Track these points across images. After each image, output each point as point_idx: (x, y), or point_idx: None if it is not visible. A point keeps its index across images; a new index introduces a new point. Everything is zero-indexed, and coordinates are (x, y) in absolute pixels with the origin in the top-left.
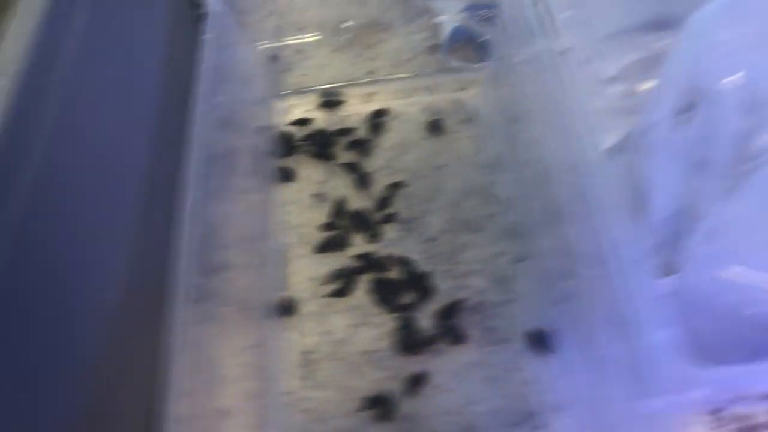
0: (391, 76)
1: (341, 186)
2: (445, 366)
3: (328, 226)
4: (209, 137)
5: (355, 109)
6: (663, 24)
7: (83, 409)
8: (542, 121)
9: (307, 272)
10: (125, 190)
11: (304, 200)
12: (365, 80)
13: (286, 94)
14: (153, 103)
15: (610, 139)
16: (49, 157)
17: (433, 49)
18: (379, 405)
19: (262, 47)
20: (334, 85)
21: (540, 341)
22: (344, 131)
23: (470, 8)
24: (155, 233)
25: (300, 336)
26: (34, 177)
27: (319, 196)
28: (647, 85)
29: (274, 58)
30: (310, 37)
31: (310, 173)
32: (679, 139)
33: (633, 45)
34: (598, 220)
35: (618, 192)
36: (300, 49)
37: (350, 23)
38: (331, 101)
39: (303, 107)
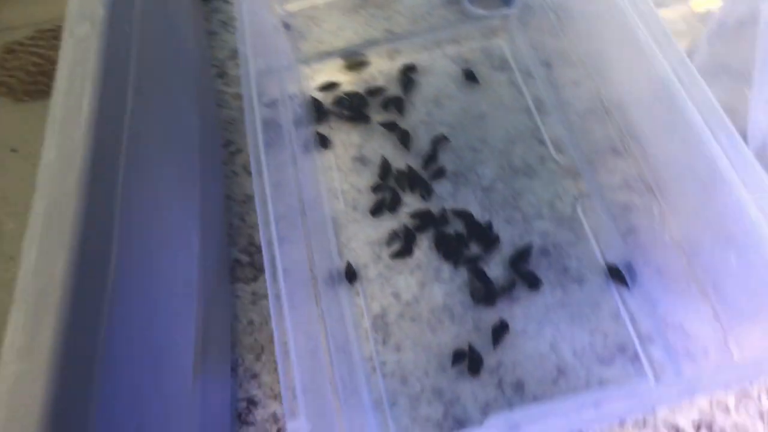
0: (412, 32)
1: (381, 146)
2: (525, 312)
3: (376, 188)
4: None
5: (381, 68)
6: None
7: None
8: (580, 62)
9: (363, 236)
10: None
11: (346, 165)
12: (385, 39)
13: (306, 61)
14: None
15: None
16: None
17: (451, 0)
18: (466, 359)
19: (273, 17)
20: (354, 46)
21: (617, 275)
22: (375, 91)
23: None
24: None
25: (369, 301)
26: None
27: (360, 159)
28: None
29: (286, 26)
30: (320, 1)
31: (346, 137)
32: None
33: None
34: (661, 150)
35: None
36: (311, 15)
37: None
38: (354, 63)
39: (327, 72)
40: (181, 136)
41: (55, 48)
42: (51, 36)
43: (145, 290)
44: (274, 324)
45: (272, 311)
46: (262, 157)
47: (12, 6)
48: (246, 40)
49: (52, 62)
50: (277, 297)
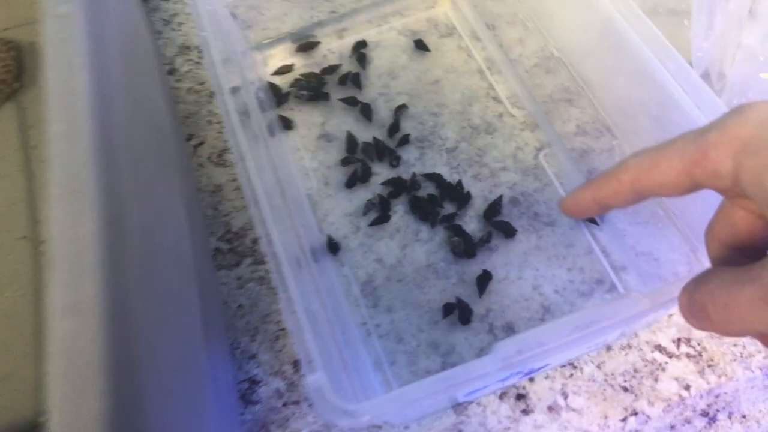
0: (356, 9)
1: (344, 122)
2: (504, 259)
3: (345, 162)
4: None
5: (332, 48)
6: None
7: None
8: (524, 21)
9: (340, 210)
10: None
11: (312, 144)
12: (332, 19)
13: (258, 48)
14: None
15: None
16: None
17: None
18: (455, 311)
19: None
20: (302, 29)
21: (590, 221)
22: (329, 69)
23: None
24: None
25: (354, 269)
26: None
27: (325, 137)
28: None
29: (233, 16)
30: None
31: (308, 117)
32: None
33: None
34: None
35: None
36: (254, 5)
37: None
38: (305, 44)
39: (280, 57)
40: (158, 126)
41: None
42: None
43: (156, 262)
44: (280, 293)
45: (277, 282)
46: (242, 140)
47: None
48: (206, 30)
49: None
50: (279, 270)
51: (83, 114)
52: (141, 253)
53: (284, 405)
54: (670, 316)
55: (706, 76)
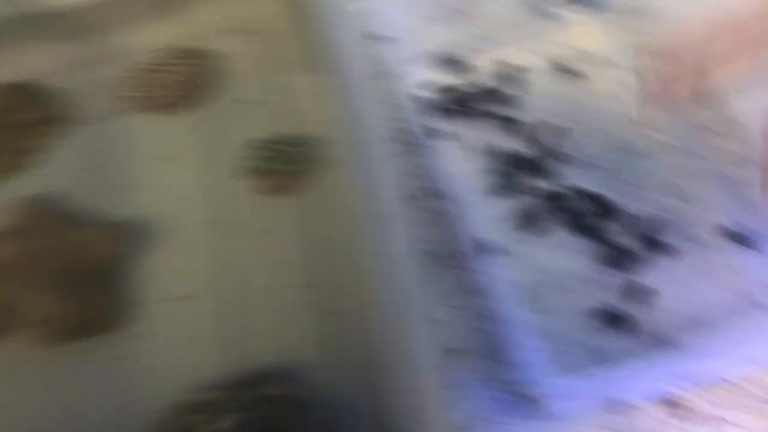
0: (505, 35)
1: (498, 138)
2: (657, 274)
3: (499, 172)
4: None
5: (486, 70)
6: None
7: None
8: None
9: (492, 213)
10: None
11: (464, 154)
12: (484, 43)
13: (418, 65)
14: None
15: None
16: None
17: (536, 6)
18: (613, 318)
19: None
20: (455, 50)
21: (736, 236)
22: (484, 90)
23: None
24: None
25: (512, 273)
26: None
27: (477, 149)
28: None
29: (392, 39)
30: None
31: (464, 130)
32: None
33: None
34: None
35: None
36: (415, 29)
37: None
38: (456, 62)
39: (431, 74)
40: None
41: (188, 65)
42: (182, 55)
43: None
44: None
45: None
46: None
47: (131, 32)
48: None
49: (189, 76)
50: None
51: None
52: None
53: None
54: None
55: None
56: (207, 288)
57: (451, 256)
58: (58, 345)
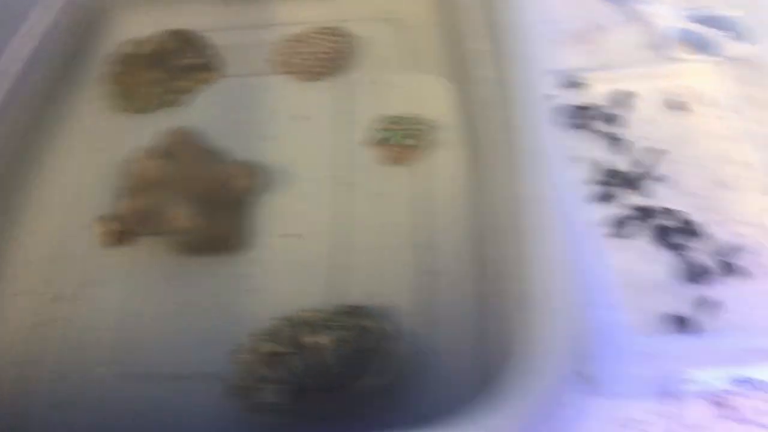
0: (625, 64)
1: (600, 152)
2: (729, 291)
3: (599, 183)
4: None
5: (602, 91)
6: None
7: None
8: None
9: (587, 216)
10: None
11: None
12: (602, 68)
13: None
14: None
15: None
16: None
17: (657, 47)
18: (681, 322)
19: None
20: (576, 71)
21: None
22: (593, 107)
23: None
24: None
25: (594, 269)
26: None
27: (580, 158)
28: None
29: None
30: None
31: (569, 140)
32: None
33: None
34: None
35: None
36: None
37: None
38: (573, 82)
39: (552, 90)
40: None
41: (333, 42)
42: (329, 33)
43: None
44: None
45: None
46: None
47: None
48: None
49: (332, 52)
50: None
51: None
52: None
53: None
54: None
55: None
56: (320, 231)
57: None
58: (189, 254)
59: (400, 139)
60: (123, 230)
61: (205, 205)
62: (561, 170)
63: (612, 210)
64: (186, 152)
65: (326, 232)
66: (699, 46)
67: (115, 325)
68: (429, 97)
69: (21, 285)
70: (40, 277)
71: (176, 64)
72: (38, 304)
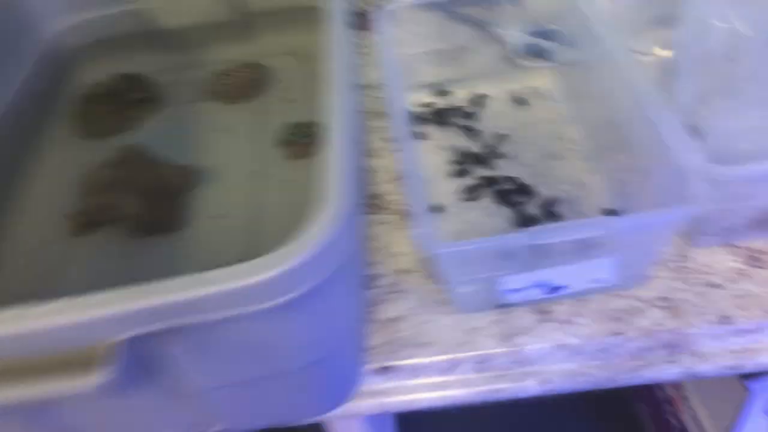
0: (481, 74)
1: (459, 140)
2: None
3: (456, 162)
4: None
5: (461, 96)
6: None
7: None
8: (602, 96)
9: (447, 188)
10: None
11: (436, 150)
12: (463, 79)
13: (413, 89)
14: None
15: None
16: None
17: (508, 59)
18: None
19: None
20: (443, 83)
21: (611, 213)
22: (456, 108)
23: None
24: None
25: (451, 225)
26: None
27: (446, 147)
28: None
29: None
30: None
31: (438, 134)
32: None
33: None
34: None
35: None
36: (413, 66)
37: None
38: (443, 92)
39: (425, 97)
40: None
41: (251, 73)
42: (248, 66)
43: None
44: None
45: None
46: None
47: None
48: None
49: (250, 81)
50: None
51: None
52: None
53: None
54: None
55: None
56: (239, 212)
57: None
58: (139, 237)
59: (300, 139)
60: (87, 221)
61: (150, 197)
62: None
63: (466, 181)
64: (135, 161)
65: (243, 212)
66: (539, 55)
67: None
68: (321, 106)
69: (14, 266)
70: (26, 257)
71: (127, 98)
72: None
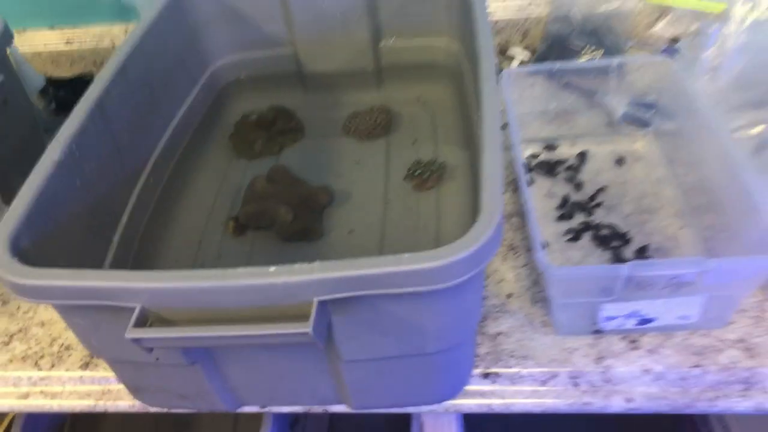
0: (584, 134)
1: (563, 188)
2: None
3: (560, 207)
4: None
5: (565, 151)
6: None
7: None
8: (696, 161)
9: (552, 229)
10: None
11: (542, 195)
12: (568, 136)
13: (525, 143)
14: None
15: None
16: None
17: (611, 124)
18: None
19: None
20: (550, 138)
21: None
22: (561, 161)
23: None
24: None
25: (554, 261)
26: None
27: (550, 194)
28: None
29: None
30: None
31: (544, 182)
32: None
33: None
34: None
35: None
36: (526, 121)
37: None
38: (550, 146)
39: (533, 149)
40: None
41: (381, 116)
42: (379, 110)
43: None
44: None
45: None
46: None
47: (352, 94)
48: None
49: (381, 122)
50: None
51: None
52: None
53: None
54: None
55: None
56: (369, 229)
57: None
58: (286, 241)
59: (425, 174)
60: (244, 225)
61: (296, 209)
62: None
63: (571, 225)
64: (284, 179)
65: (370, 229)
66: (638, 123)
67: None
68: (444, 149)
69: (179, 256)
70: (191, 252)
71: (274, 128)
72: (186, 261)
